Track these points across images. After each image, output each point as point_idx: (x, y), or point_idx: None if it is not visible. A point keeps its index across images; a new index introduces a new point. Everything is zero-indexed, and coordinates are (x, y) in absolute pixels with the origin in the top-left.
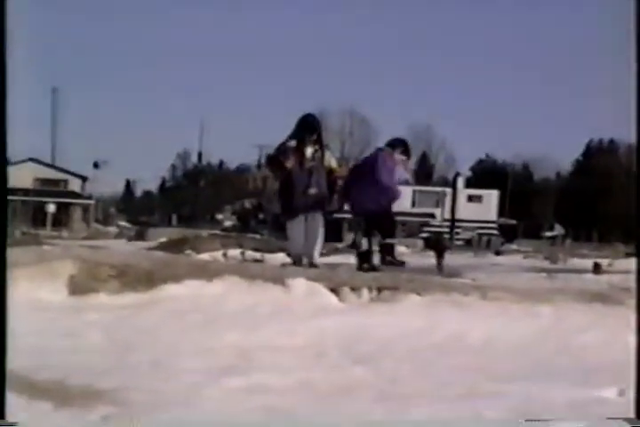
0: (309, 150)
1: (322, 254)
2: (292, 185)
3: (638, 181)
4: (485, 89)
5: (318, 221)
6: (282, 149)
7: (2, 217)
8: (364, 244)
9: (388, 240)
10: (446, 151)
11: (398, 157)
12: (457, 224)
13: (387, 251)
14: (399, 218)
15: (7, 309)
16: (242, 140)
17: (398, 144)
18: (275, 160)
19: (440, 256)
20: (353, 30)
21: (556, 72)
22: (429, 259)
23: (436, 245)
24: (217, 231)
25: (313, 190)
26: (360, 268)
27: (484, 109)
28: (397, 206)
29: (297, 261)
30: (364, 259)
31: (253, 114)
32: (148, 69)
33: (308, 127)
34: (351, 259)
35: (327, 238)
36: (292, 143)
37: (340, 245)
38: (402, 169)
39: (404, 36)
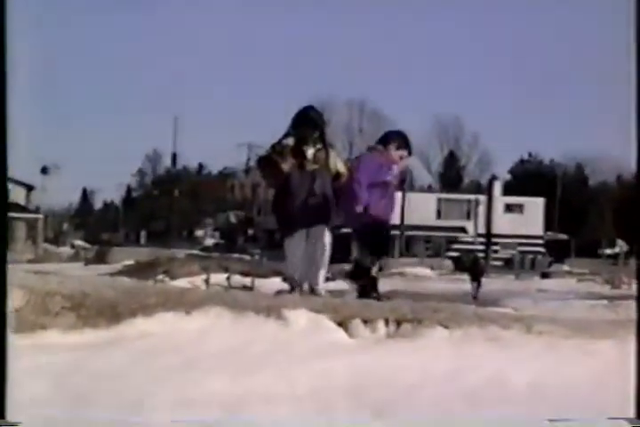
0: (311, 150)
1: (327, 279)
2: (289, 193)
3: (638, 185)
4: (525, 71)
5: (323, 238)
6: (277, 149)
7: (2, 222)
8: (366, 258)
9: (364, 262)
10: (479, 149)
11: (394, 153)
12: (493, 240)
13: (360, 276)
14: (421, 233)
15: (7, 309)
16: (226, 138)
17: (393, 138)
18: (268, 162)
19: (474, 280)
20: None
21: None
22: (460, 283)
23: (470, 266)
24: (196, 251)
25: (316, 199)
26: (363, 295)
27: (525, 97)
28: (419, 218)
29: (296, 288)
30: (364, 282)
31: (240, 107)
32: (111, 61)
33: (309, 122)
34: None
35: (334, 259)
36: (290, 142)
37: (347, 268)
38: (393, 168)
39: (422, 11)
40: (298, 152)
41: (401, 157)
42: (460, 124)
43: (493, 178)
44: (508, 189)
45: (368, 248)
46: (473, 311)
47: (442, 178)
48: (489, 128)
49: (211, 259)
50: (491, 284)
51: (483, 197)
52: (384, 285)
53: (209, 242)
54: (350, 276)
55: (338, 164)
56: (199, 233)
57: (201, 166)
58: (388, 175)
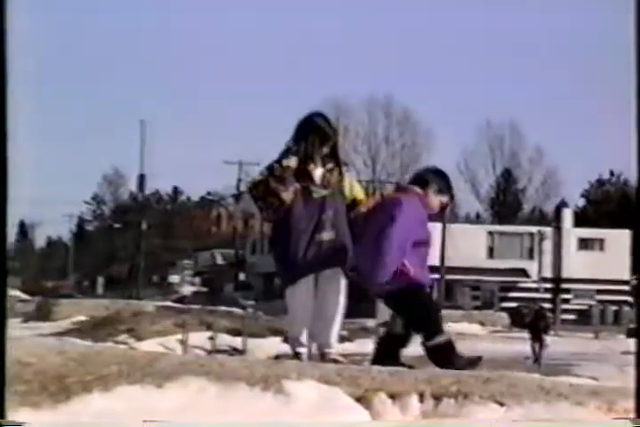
0: (319, 171)
1: (342, 338)
2: (292, 227)
3: (637, 192)
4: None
5: (337, 285)
6: (275, 172)
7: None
8: (397, 325)
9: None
10: (544, 166)
11: (434, 199)
12: (563, 286)
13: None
14: (467, 277)
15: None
16: (209, 153)
17: (431, 178)
18: (263, 188)
19: (537, 339)
20: None
21: None
22: (518, 344)
23: (531, 321)
24: (170, 303)
25: (328, 235)
26: (378, 361)
27: (602, 98)
28: (464, 258)
29: (301, 352)
30: (390, 347)
31: (228, 113)
32: (67, 55)
33: (316, 134)
34: (412, 348)
35: (350, 312)
36: (292, 161)
37: (370, 323)
38: (425, 223)
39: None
40: (302, 174)
41: (442, 205)
42: (519, 133)
43: (562, 204)
44: (583, 219)
45: (402, 315)
46: (536, 382)
47: (494, 204)
48: (556, 139)
49: (189, 313)
50: (560, 344)
51: (549, 230)
52: (417, 346)
53: (187, 290)
54: (380, 352)
55: (354, 188)
56: (174, 279)
57: (176, 191)
58: (427, 232)
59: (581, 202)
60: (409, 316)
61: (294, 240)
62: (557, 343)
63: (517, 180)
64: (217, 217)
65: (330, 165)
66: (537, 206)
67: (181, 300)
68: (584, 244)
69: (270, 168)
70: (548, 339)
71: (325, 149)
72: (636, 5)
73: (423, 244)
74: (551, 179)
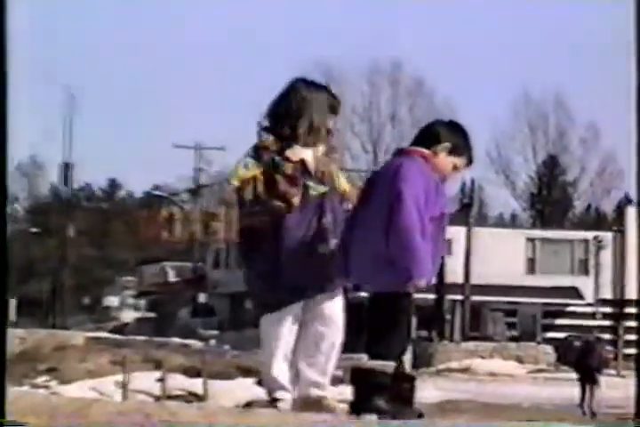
0: (311, 158)
1: (336, 380)
2: (285, 236)
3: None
4: None
5: (333, 309)
6: (281, 167)
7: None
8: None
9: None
10: (601, 151)
11: (444, 160)
12: (628, 311)
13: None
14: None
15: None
16: (155, 136)
17: (443, 134)
18: (266, 189)
19: (590, 381)
20: None
21: None
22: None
23: (582, 357)
24: (106, 334)
25: (329, 246)
26: (369, 409)
27: None
28: (496, 273)
29: (281, 397)
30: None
31: (179, 83)
32: None
33: (298, 107)
34: (425, 392)
35: (349, 344)
36: (300, 151)
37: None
38: (446, 191)
39: None
40: (297, 162)
41: (455, 168)
42: (567, 108)
43: (626, 201)
44: None
45: (398, 332)
46: None
47: (535, 202)
48: (615, 114)
49: (131, 346)
50: (622, 387)
51: (608, 236)
52: (431, 389)
53: (128, 316)
54: (359, 384)
55: (340, 178)
56: (111, 301)
57: (114, 184)
58: (442, 202)
59: None
60: (378, 324)
61: (287, 253)
62: (618, 386)
63: (566, 169)
64: (168, 219)
65: (321, 149)
66: (592, 204)
67: (121, 329)
68: None
69: (274, 162)
70: (607, 380)
71: (320, 127)
72: None
73: (435, 219)
74: (611, 167)
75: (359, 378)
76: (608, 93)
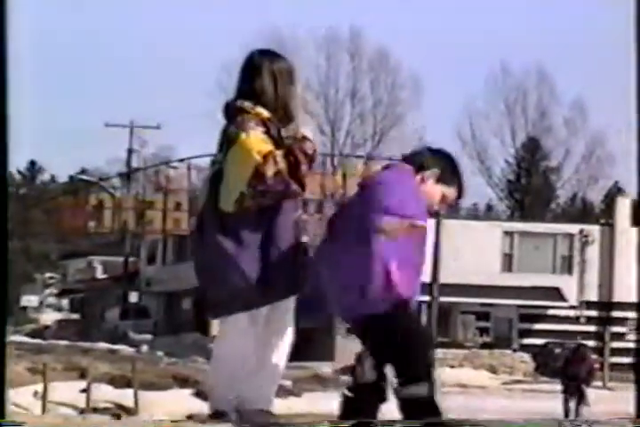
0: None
1: (283, 391)
2: (274, 227)
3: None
4: None
5: (288, 316)
6: (306, 148)
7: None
8: (367, 369)
9: (413, 389)
10: (588, 132)
11: (434, 189)
12: (615, 315)
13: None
14: (471, 299)
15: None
16: (83, 112)
17: (432, 162)
18: (287, 169)
19: (574, 392)
20: None
21: None
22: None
23: (565, 366)
24: (23, 338)
25: (306, 241)
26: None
27: None
28: (468, 271)
29: (227, 411)
30: (363, 403)
31: (109, 56)
32: None
33: (260, 80)
34: (386, 404)
35: (298, 352)
36: (309, 131)
37: (327, 368)
38: (432, 205)
39: None
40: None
41: (443, 199)
42: (550, 83)
43: (616, 190)
44: None
45: (378, 349)
46: None
47: (513, 191)
48: (603, 90)
49: (52, 352)
50: (610, 401)
51: (595, 229)
52: (391, 401)
53: (49, 318)
54: (348, 411)
55: None
56: (30, 301)
57: (34, 167)
58: (425, 216)
59: None
60: (387, 349)
61: (274, 246)
62: (606, 399)
63: (548, 153)
64: (96, 207)
65: (293, 126)
66: (578, 194)
67: (40, 333)
68: None
69: (282, 139)
70: (592, 392)
71: (292, 105)
72: None
73: (416, 229)
74: (599, 151)
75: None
76: (596, 67)
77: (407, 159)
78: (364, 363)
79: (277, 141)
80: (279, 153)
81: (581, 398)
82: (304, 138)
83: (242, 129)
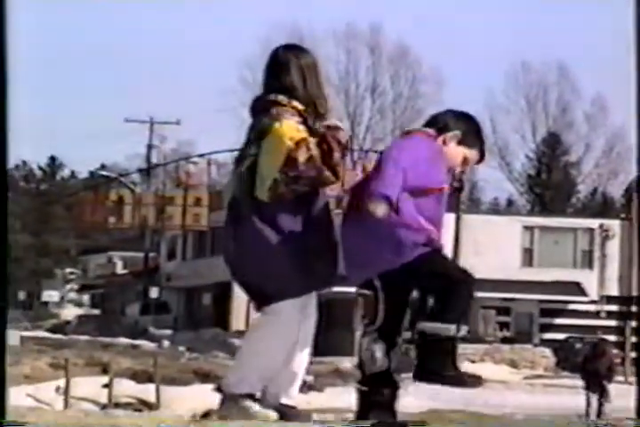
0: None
1: (305, 386)
2: (313, 213)
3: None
4: None
5: (313, 311)
6: (339, 135)
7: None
8: (378, 354)
9: (432, 326)
10: (609, 128)
11: (455, 150)
12: (636, 309)
13: (434, 353)
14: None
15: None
16: (103, 108)
17: (453, 124)
18: (322, 155)
19: (596, 387)
20: None
21: None
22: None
23: (587, 361)
24: (44, 333)
25: (334, 234)
26: (363, 417)
27: None
28: (487, 265)
29: (240, 407)
30: (377, 395)
31: (130, 51)
32: None
33: (289, 75)
34: (407, 399)
35: (315, 348)
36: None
37: (348, 363)
38: (453, 170)
39: None
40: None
41: (465, 161)
42: (571, 79)
43: (638, 185)
44: None
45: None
46: None
47: (534, 185)
48: (623, 86)
49: (73, 347)
50: (631, 395)
51: (616, 224)
52: (412, 396)
53: (70, 313)
54: (364, 404)
55: None
56: (51, 296)
57: (54, 163)
58: (444, 179)
59: None
60: (432, 291)
61: (313, 234)
62: (627, 394)
63: (569, 148)
64: (116, 202)
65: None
66: (598, 188)
67: (61, 328)
68: None
69: (310, 129)
70: (613, 387)
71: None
72: None
73: (433, 192)
74: (619, 146)
75: (422, 343)
76: (617, 63)
77: (430, 122)
78: (375, 351)
79: (312, 131)
80: (312, 140)
81: (603, 395)
82: (337, 127)
83: (276, 120)
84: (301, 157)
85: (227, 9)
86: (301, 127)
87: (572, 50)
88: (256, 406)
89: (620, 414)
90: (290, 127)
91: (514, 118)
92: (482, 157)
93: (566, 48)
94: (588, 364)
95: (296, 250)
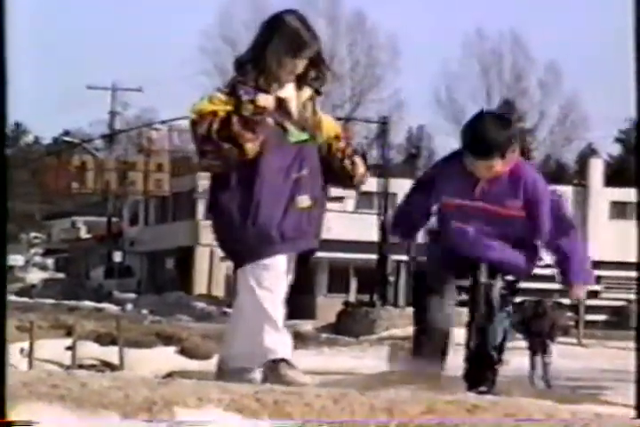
0: (293, 100)
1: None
2: (261, 185)
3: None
4: None
5: (291, 273)
6: (243, 109)
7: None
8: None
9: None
10: (562, 95)
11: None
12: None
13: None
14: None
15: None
16: (66, 74)
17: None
18: (219, 129)
19: (538, 349)
20: None
21: None
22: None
23: (532, 321)
24: (8, 296)
25: (305, 201)
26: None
27: None
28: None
29: (233, 371)
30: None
31: (93, 16)
32: None
33: (293, 41)
34: (366, 361)
35: (293, 311)
36: (269, 100)
37: (308, 326)
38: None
39: None
40: (277, 104)
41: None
42: (524, 46)
43: (590, 152)
44: (619, 175)
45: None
46: (545, 411)
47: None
48: (577, 54)
49: (37, 311)
50: (584, 357)
51: (569, 190)
52: (372, 358)
53: (34, 277)
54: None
55: (330, 124)
56: (15, 260)
57: (18, 129)
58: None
59: (617, 149)
60: None
61: (265, 203)
62: (580, 356)
63: (523, 115)
64: (79, 168)
65: (307, 92)
66: (552, 155)
67: (26, 291)
68: (620, 210)
69: (238, 102)
70: (566, 349)
71: (301, 66)
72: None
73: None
74: (573, 114)
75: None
76: (572, 29)
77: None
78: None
79: (246, 114)
80: (221, 115)
81: (545, 352)
82: (280, 103)
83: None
84: (198, 131)
85: None
86: (226, 100)
87: (526, 18)
88: (295, 371)
89: (568, 375)
90: (209, 100)
91: (468, 86)
92: (528, 156)
93: (520, 16)
94: (532, 324)
95: (246, 216)
